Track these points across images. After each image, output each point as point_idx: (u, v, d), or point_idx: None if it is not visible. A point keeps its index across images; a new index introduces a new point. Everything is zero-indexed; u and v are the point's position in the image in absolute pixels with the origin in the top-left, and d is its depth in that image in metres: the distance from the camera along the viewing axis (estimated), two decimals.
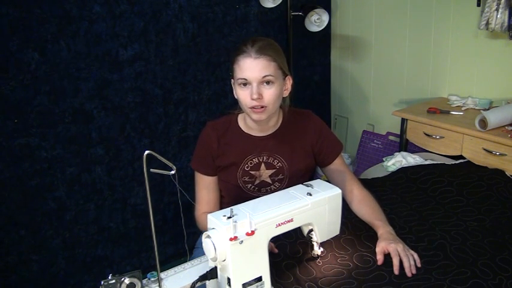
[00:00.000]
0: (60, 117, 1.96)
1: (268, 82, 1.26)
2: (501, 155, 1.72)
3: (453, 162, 1.84)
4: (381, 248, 1.19)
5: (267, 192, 1.41)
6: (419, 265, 1.16)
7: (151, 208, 0.93)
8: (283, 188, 1.30)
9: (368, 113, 2.78)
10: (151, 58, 2.15)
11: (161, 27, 2.15)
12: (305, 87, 2.84)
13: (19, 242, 1.96)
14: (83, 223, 2.12)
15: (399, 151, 2.07)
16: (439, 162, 1.82)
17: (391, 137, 2.60)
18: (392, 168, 1.86)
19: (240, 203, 1.07)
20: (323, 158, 1.44)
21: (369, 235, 1.29)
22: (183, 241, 2.32)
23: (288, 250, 1.24)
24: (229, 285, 0.99)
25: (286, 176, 1.42)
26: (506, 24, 1.82)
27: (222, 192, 1.47)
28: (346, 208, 1.35)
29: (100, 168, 2.12)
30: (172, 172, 0.92)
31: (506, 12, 1.80)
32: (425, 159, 1.90)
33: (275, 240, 1.20)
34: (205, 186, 1.43)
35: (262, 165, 1.40)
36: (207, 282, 1.04)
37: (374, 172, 1.95)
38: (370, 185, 1.62)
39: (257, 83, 1.25)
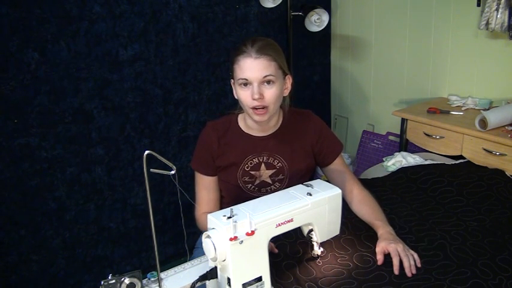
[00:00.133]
0: (60, 117, 1.96)
1: (269, 82, 1.26)
2: (501, 155, 1.72)
3: (453, 162, 1.84)
4: (380, 248, 1.19)
5: (267, 192, 1.41)
6: (419, 265, 1.16)
7: (151, 208, 0.93)
8: (284, 188, 1.30)
9: (368, 113, 2.78)
10: (151, 58, 2.15)
11: (161, 27, 2.15)
12: (305, 87, 2.84)
13: (19, 242, 1.96)
14: (83, 223, 2.12)
15: (399, 151, 2.07)
16: (439, 162, 1.82)
17: (391, 137, 2.60)
18: (392, 168, 1.86)
19: (240, 203, 1.07)
20: (323, 158, 1.44)
21: (369, 235, 1.29)
22: (183, 241, 2.31)
23: (288, 250, 1.24)
24: (229, 285, 0.99)
25: (287, 176, 1.42)
26: (506, 24, 1.82)
27: (222, 192, 1.47)
28: (346, 208, 1.35)
29: (100, 168, 2.12)
30: (172, 172, 0.92)
31: (506, 12, 1.80)
32: (425, 159, 1.90)
33: (275, 240, 1.20)
34: (206, 187, 1.43)
35: (263, 165, 1.40)
36: (207, 282, 1.04)
37: (374, 172, 1.95)
38: (370, 185, 1.62)
39: (258, 83, 1.25)
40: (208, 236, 0.98)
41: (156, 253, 0.97)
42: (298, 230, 1.19)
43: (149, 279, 1.05)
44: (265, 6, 2.30)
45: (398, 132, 2.22)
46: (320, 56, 2.87)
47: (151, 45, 2.13)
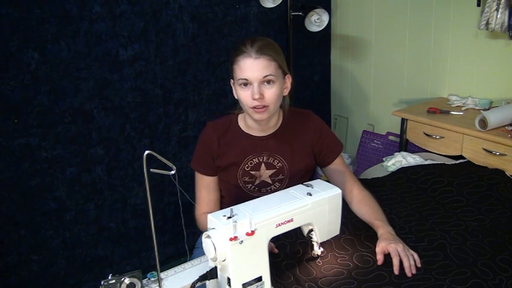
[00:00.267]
0: (60, 117, 1.96)
1: (269, 82, 1.27)
2: (501, 155, 1.72)
3: (453, 162, 1.84)
4: (380, 248, 1.19)
5: (267, 192, 1.41)
6: (419, 265, 1.16)
7: (151, 208, 0.93)
8: (284, 188, 1.30)
9: (368, 113, 2.78)
10: (151, 58, 2.15)
11: (161, 27, 2.15)
12: (305, 87, 2.84)
13: (19, 242, 1.96)
14: (83, 223, 2.12)
15: (399, 151, 2.07)
16: (439, 162, 1.82)
17: (391, 137, 2.60)
18: (392, 168, 1.86)
19: (240, 203, 1.07)
20: (323, 157, 1.44)
21: (369, 235, 1.29)
22: (183, 241, 2.32)
23: (288, 250, 1.24)
24: (229, 285, 0.99)
25: (287, 176, 1.42)
26: (506, 24, 1.82)
27: (222, 192, 1.47)
28: (346, 208, 1.35)
29: (100, 168, 2.12)
30: (172, 172, 0.92)
31: (506, 12, 1.80)
32: (425, 159, 1.90)
33: (275, 240, 1.20)
34: (206, 186, 1.43)
35: (263, 165, 1.40)
36: (207, 282, 1.04)
37: (374, 172, 1.95)
38: (370, 185, 1.62)
39: (258, 83, 1.25)
40: (208, 236, 0.98)
41: (156, 253, 0.97)
42: (298, 230, 1.19)
43: (149, 279, 1.05)
44: (265, 6, 2.30)
45: (398, 132, 2.22)
46: (320, 56, 2.87)
47: (151, 45, 2.13)
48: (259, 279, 1.03)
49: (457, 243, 1.27)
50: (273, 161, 1.40)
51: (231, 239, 0.95)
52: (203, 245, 1.01)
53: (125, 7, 2.01)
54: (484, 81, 2.11)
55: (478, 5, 1.92)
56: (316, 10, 2.33)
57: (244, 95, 1.28)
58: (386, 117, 2.60)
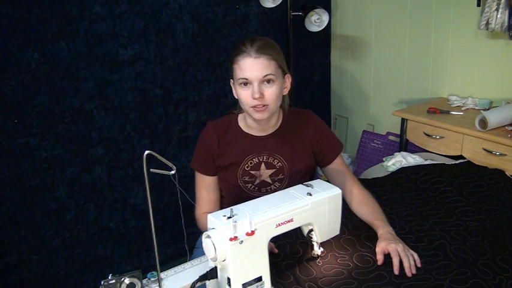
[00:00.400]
0: (60, 117, 1.96)
1: (269, 81, 1.27)
2: (501, 155, 1.72)
3: (453, 162, 1.84)
4: (380, 248, 1.19)
5: (267, 192, 1.41)
6: (419, 265, 1.16)
7: (151, 208, 0.93)
8: (283, 188, 1.30)
9: (368, 113, 2.78)
10: (151, 58, 2.15)
11: (161, 27, 2.15)
12: (305, 87, 2.84)
13: (19, 242, 1.96)
14: (83, 223, 2.12)
15: (399, 151, 2.07)
16: (439, 162, 1.82)
17: (391, 137, 2.60)
18: (392, 168, 1.86)
19: (240, 203, 1.07)
20: (323, 157, 1.44)
21: (369, 235, 1.29)
22: (183, 241, 2.32)
23: (288, 250, 1.24)
24: (229, 285, 0.99)
25: (286, 176, 1.42)
26: (506, 24, 1.82)
27: (222, 192, 1.47)
28: (346, 208, 1.35)
29: (100, 168, 2.12)
30: (172, 172, 0.92)
31: (506, 12, 1.80)
32: (425, 159, 1.90)
33: (275, 240, 1.20)
34: (206, 186, 1.43)
35: (262, 165, 1.40)
36: (207, 282, 1.04)
37: (374, 172, 1.95)
38: (370, 185, 1.62)
39: (258, 82, 1.25)
40: (208, 236, 0.98)
41: (156, 253, 0.97)
42: (298, 230, 1.19)
43: (149, 279, 1.05)
44: (265, 6, 2.30)
45: (398, 132, 2.22)
46: (320, 56, 2.87)
47: (151, 45, 2.13)
48: (259, 279, 1.03)
49: (457, 243, 1.27)
50: (273, 160, 1.40)
51: (231, 239, 0.95)
52: (203, 245, 1.01)
53: (124, 7, 2.01)
54: (484, 81, 2.11)
55: (478, 5, 1.92)
56: (316, 10, 2.33)
57: (244, 95, 1.28)
58: (386, 117, 2.60)
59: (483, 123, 1.78)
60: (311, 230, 1.16)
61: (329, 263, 1.19)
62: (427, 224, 1.39)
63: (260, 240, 1.01)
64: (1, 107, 1.81)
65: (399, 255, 1.15)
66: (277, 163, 1.40)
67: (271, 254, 1.12)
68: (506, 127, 1.79)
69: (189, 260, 1.16)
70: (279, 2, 2.26)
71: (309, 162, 1.44)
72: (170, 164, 0.92)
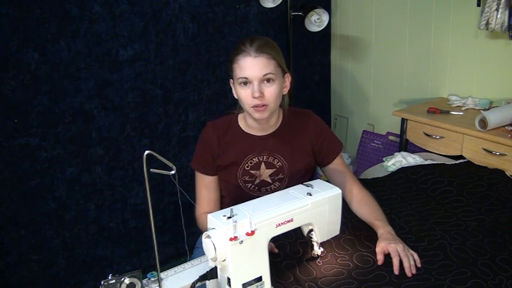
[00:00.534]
0: (60, 117, 1.96)
1: (268, 80, 1.27)
2: (501, 155, 1.72)
3: (453, 162, 1.84)
4: (380, 248, 1.19)
5: (267, 192, 1.41)
6: (419, 265, 1.16)
7: (151, 208, 0.93)
8: (283, 188, 1.30)
9: (368, 113, 2.78)
10: (151, 58, 2.15)
11: (161, 27, 2.15)
12: (305, 87, 2.84)
13: (19, 242, 1.96)
14: (83, 223, 2.12)
15: (399, 151, 2.07)
16: (439, 162, 1.82)
17: (391, 137, 2.60)
18: (392, 168, 1.86)
19: (240, 203, 1.08)
20: (323, 157, 1.44)
21: (369, 235, 1.29)
22: (183, 241, 2.31)
23: (288, 250, 1.24)
24: (229, 285, 0.99)
25: (286, 176, 1.42)
26: (506, 24, 1.82)
27: (222, 192, 1.47)
28: (346, 208, 1.35)
29: (100, 168, 2.12)
30: (172, 172, 0.92)
31: (506, 12, 1.80)
32: (425, 159, 1.90)
33: (275, 240, 1.20)
34: (206, 186, 1.43)
35: (262, 164, 1.40)
36: (207, 282, 1.04)
37: (374, 172, 1.95)
38: (370, 185, 1.62)
39: (258, 81, 1.26)
40: (208, 236, 0.98)
41: (156, 253, 0.97)
42: (298, 230, 1.19)
43: (149, 279, 1.05)
44: (265, 6, 2.30)
45: (398, 132, 2.22)
46: (320, 56, 2.87)
47: (151, 45, 2.13)
48: (259, 279, 1.03)
49: (457, 243, 1.27)
50: (273, 160, 1.40)
51: (231, 239, 0.95)
52: (203, 245, 1.01)
53: (124, 7, 2.01)
54: (484, 81, 2.11)
55: (478, 5, 1.92)
56: (316, 10, 2.33)
57: (244, 94, 1.28)
58: (387, 117, 2.60)
59: (483, 123, 1.78)
60: (311, 230, 1.16)
61: (329, 263, 1.19)
62: (427, 224, 1.39)
63: (260, 240, 1.01)
64: (1, 107, 1.81)
65: (399, 255, 1.15)
66: (277, 163, 1.40)
67: (271, 254, 1.12)
68: (506, 127, 1.79)
69: (189, 260, 1.16)
70: (279, 2, 2.26)
71: (309, 162, 1.44)
72: (170, 164, 0.92)
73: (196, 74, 2.31)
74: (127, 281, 1.00)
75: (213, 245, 0.97)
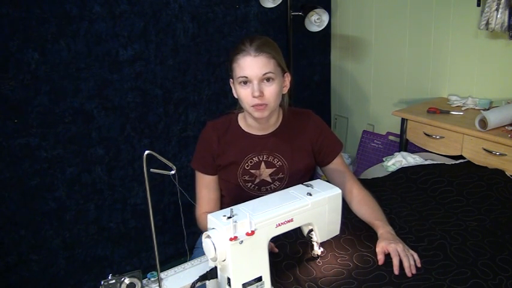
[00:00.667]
0: (60, 117, 1.96)
1: (268, 79, 1.27)
2: (501, 155, 1.72)
3: (453, 162, 1.84)
4: (381, 248, 1.19)
5: (267, 191, 1.41)
6: (419, 265, 1.16)
7: (151, 208, 0.93)
8: (284, 187, 1.30)
9: (368, 113, 2.78)
10: (151, 58, 2.15)
11: (161, 27, 2.15)
12: (305, 87, 2.84)
13: (19, 242, 1.96)
14: (83, 223, 2.12)
15: (399, 151, 2.07)
16: (439, 162, 1.82)
17: (391, 137, 2.60)
18: (392, 168, 1.86)
19: (240, 202, 1.08)
20: (323, 157, 1.44)
21: (369, 235, 1.29)
22: (183, 241, 2.32)
23: (288, 250, 1.24)
24: (229, 285, 0.99)
25: (286, 175, 1.42)
26: (506, 24, 1.82)
27: (223, 192, 1.47)
28: (346, 208, 1.35)
29: (100, 168, 2.12)
30: (172, 172, 0.92)
31: (506, 12, 1.80)
32: (425, 159, 1.90)
33: (275, 240, 1.20)
34: (206, 186, 1.43)
35: (262, 164, 1.40)
36: (207, 282, 1.04)
37: (374, 172, 1.95)
38: (370, 185, 1.62)
39: (258, 80, 1.26)
40: (208, 236, 0.98)
41: (156, 253, 0.97)
42: (298, 230, 1.19)
43: (149, 279, 1.05)
44: (265, 6, 2.30)
45: (398, 132, 2.22)
46: (320, 56, 2.87)
47: (151, 45, 2.13)
48: (259, 279, 1.03)
49: (457, 243, 1.27)
50: (273, 159, 1.40)
51: (231, 239, 0.95)
52: (203, 245, 1.01)
53: (124, 7, 2.01)
54: (484, 81, 2.11)
55: (478, 5, 1.92)
56: (316, 10, 2.33)
57: (244, 93, 1.28)
58: (387, 117, 2.60)
59: (483, 123, 1.78)
60: (311, 230, 1.16)
61: (329, 263, 1.19)
62: (427, 224, 1.39)
63: (260, 240, 1.01)
64: (1, 107, 1.81)
65: (399, 255, 1.15)
66: (277, 162, 1.41)
67: (271, 254, 1.12)
68: (506, 127, 1.79)
69: (189, 260, 1.16)
70: (279, 2, 2.26)
71: (309, 162, 1.44)
72: (170, 164, 0.92)
73: (196, 74, 2.31)
74: (127, 281, 1.00)
75: (213, 245, 0.97)
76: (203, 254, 1.08)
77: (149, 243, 2.34)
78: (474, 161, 1.81)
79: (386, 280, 1.12)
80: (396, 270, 1.14)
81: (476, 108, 2.03)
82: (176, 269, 1.12)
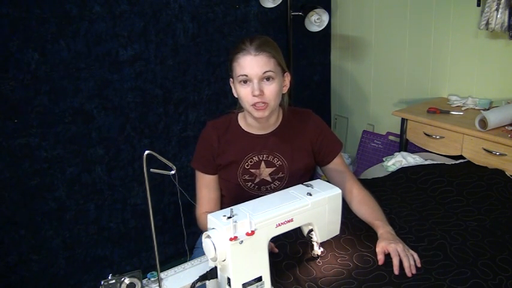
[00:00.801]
0: (60, 117, 1.96)
1: (268, 78, 1.27)
2: (501, 155, 1.72)
3: (453, 162, 1.84)
4: (381, 248, 1.19)
5: (267, 191, 1.41)
6: (419, 265, 1.16)
7: (151, 208, 0.93)
8: (283, 187, 1.30)
9: (368, 113, 2.78)
10: (151, 58, 2.15)
11: (161, 27, 2.15)
12: (305, 87, 2.84)
13: (19, 242, 1.96)
14: (83, 223, 2.12)
15: (399, 151, 2.07)
16: (439, 162, 1.82)
17: (391, 137, 2.60)
18: (392, 168, 1.86)
19: (240, 202, 1.08)
20: (322, 156, 1.44)
21: (369, 235, 1.29)
22: (183, 241, 2.32)
23: (288, 250, 1.24)
24: (229, 285, 0.99)
25: (286, 175, 1.42)
26: (506, 24, 1.82)
27: (223, 191, 1.47)
28: (346, 208, 1.35)
29: (100, 168, 2.12)
30: (172, 172, 0.92)
31: (506, 12, 1.80)
32: (425, 159, 1.90)
33: (275, 240, 1.20)
34: (206, 185, 1.43)
35: (262, 163, 1.40)
36: (207, 282, 1.04)
37: (374, 172, 1.95)
38: (370, 185, 1.62)
39: (258, 79, 1.26)
40: (208, 236, 0.98)
41: (156, 253, 0.97)
42: (298, 230, 1.19)
43: (149, 279, 1.05)
44: (265, 6, 2.30)
45: (398, 132, 2.22)
46: (320, 56, 2.87)
47: (151, 45, 2.13)
48: (259, 279, 1.03)
49: (457, 243, 1.27)
50: (273, 159, 1.40)
51: (231, 239, 0.95)
52: (203, 245, 1.01)
53: (124, 7, 2.01)
54: (484, 81, 2.11)
55: (478, 5, 1.92)
56: (316, 10, 2.33)
57: (244, 92, 1.28)
58: (386, 117, 2.60)
59: (483, 123, 1.78)
60: (311, 230, 1.16)
61: (329, 263, 1.19)
62: (427, 224, 1.39)
63: (260, 240, 1.01)
64: (1, 107, 1.81)
65: (399, 255, 1.15)
66: (277, 162, 1.41)
67: (271, 254, 1.12)
68: (506, 127, 1.79)
69: (189, 260, 1.16)
70: (279, 2, 2.26)
71: (309, 162, 1.44)
72: (170, 164, 0.92)
73: (196, 74, 2.32)
74: (127, 281, 1.00)
75: (213, 245, 0.97)
76: (203, 254, 1.08)
77: (149, 243, 2.34)
78: (474, 161, 1.81)
79: (386, 280, 1.12)
80: (396, 270, 1.14)
81: (476, 108, 2.03)
82: (176, 269, 1.12)
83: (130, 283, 1.00)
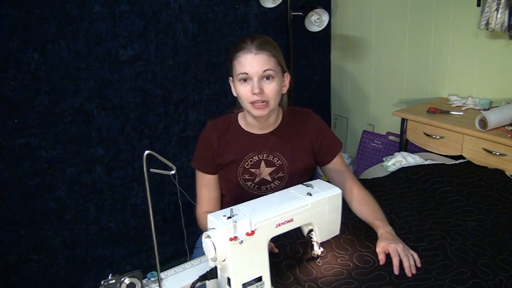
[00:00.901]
0: (60, 117, 1.96)
1: (268, 77, 1.27)
2: (501, 155, 1.72)
3: (453, 162, 1.84)
4: (381, 248, 1.19)
5: (267, 190, 1.41)
6: (419, 265, 1.16)
7: (151, 208, 0.93)
8: (283, 187, 1.30)
9: (368, 113, 2.78)
10: (151, 58, 2.15)
11: (161, 27, 2.15)
12: (305, 87, 2.84)
13: (19, 242, 1.96)
14: (83, 223, 2.12)
15: (399, 151, 2.07)
16: (439, 162, 1.82)
17: (391, 137, 2.60)
18: (392, 168, 1.86)
19: (240, 202, 1.08)
20: (322, 156, 1.44)
21: (369, 235, 1.29)
22: (183, 241, 2.32)
23: (288, 250, 1.24)
24: (229, 285, 0.99)
25: (286, 174, 1.42)
26: (506, 24, 1.82)
27: (223, 191, 1.47)
28: (346, 208, 1.35)
29: (100, 168, 2.12)
30: (172, 172, 0.92)
31: (506, 12, 1.80)
32: (425, 159, 1.90)
33: (275, 240, 1.20)
34: (206, 185, 1.43)
35: (262, 163, 1.40)
36: (207, 282, 1.04)
37: (374, 172, 1.95)
38: (370, 185, 1.62)
39: (258, 78, 1.26)
40: (208, 236, 0.98)
41: (156, 253, 0.97)
42: (298, 230, 1.19)
43: (149, 279, 1.05)
44: (265, 6, 2.30)
45: (398, 132, 2.22)
46: (320, 56, 2.87)
47: (151, 45, 2.13)
48: (259, 279, 1.03)
49: (457, 243, 1.27)
50: (273, 158, 1.40)
51: (231, 239, 0.95)
52: (203, 245, 1.01)
53: (124, 7, 2.01)
54: (484, 81, 2.11)
55: (478, 5, 1.92)
56: (316, 10, 2.33)
57: (244, 91, 1.28)
58: (386, 117, 2.60)
59: (483, 123, 1.78)
60: (311, 230, 1.16)
61: (329, 263, 1.19)
62: (427, 224, 1.39)
63: (260, 240, 1.01)
64: (1, 107, 1.81)
65: (399, 255, 1.15)
66: (277, 161, 1.41)
67: (271, 254, 1.12)
68: (506, 127, 1.79)
69: (189, 260, 1.16)
70: (279, 2, 2.26)
71: (309, 161, 1.44)
72: (170, 164, 0.92)
73: (196, 74, 2.32)
74: (127, 281, 1.00)
75: (213, 245, 0.97)
76: (203, 254, 1.08)
77: (149, 243, 2.34)
78: (474, 161, 1.81)
79: (386, 280, 1.12)
80: (396, 270, 1.14)
81: (476, 108, 2.03)
82: (176, 269, 1.12)
83: (130, 283, 1.00)
